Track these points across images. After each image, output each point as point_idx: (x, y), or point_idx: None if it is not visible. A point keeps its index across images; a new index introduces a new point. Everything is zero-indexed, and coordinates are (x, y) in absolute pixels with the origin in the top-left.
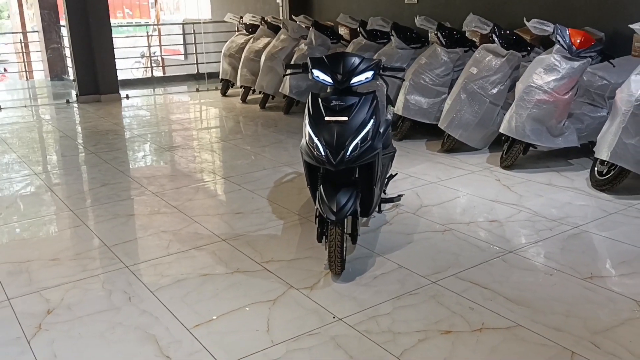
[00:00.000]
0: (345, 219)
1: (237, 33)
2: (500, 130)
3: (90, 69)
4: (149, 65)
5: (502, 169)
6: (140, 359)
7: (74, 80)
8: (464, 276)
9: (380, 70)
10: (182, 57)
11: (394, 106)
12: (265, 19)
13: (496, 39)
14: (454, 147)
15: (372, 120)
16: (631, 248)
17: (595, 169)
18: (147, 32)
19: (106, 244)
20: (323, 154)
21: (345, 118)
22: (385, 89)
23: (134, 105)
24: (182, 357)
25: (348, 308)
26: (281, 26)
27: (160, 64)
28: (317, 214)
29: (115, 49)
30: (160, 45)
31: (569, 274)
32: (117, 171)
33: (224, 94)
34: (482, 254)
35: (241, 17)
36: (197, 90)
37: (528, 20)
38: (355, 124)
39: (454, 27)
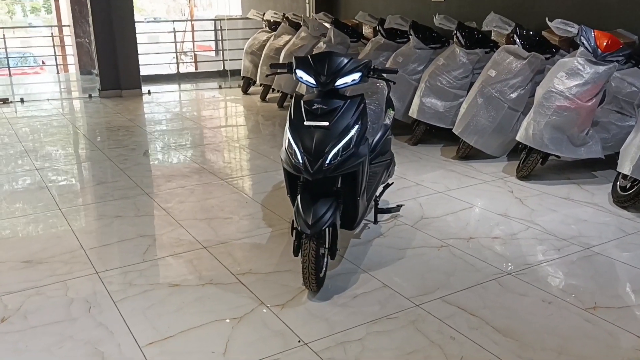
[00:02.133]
0: (326, 232)
1: (259, 30)
2: (517, 138)
3: (113, 64)
4: (176, 61)
5: (517, 179)
6: None
7: (96, 74)
8: (452, 300)
9: (371, 72)
10: (213, 54)
11: (394, 110)
12: (287, 15)
13: (517, 39)
14: (469, 154)
15: (356, 126)
16: None
17: (618, 183)
18: (174, 29)
19: (83, 247)
20: (300, 161)
21: (326, 123)
22: (386, 92)
23: (154, 101)
24: None
25: (317, 331)
26: (302, 24)
27: (193, 60)
28: (294, 226)
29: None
30: (193, 41)
31: (570, 303)
32: (117, 169)
33: (245, 91)
34: (477, 275)
35: (264, 14)
36: (220, 88)
37: (551, 21)
38: (338, 129)
39: (477, 27)
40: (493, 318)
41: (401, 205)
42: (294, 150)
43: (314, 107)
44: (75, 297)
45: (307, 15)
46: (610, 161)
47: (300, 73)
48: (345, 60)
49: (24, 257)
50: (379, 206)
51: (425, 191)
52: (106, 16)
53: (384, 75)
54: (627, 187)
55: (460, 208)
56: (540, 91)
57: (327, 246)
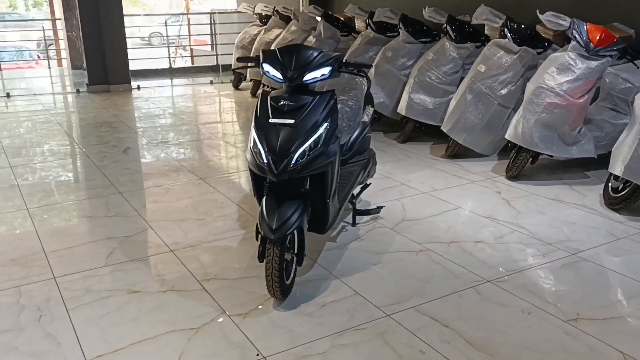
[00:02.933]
0: (294, 237)
1: (250, 24)
2: (506, 137)
3: (101, 59)
4: (168, 55)
5: (507, 179)
6: None
7: (84, 69)
8: (425, 309)
9: (343, 66)
10: (209, 48)
11: (373, 107)
12: (277, 9)
13: (508, 33)
14: (458, 152)
15: (325, 124)
16: (634, 284)
17: (609, 184)
18: (166, 22)
19: (45, 250)
20: (265, 161)
21: (291, 121)
22: (366, 88)
23: (142, 96)
24: None
25: (278, 343)
26: (292, 17)
27: (190, 54)
28: (258, 230)
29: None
30: (189, 36)
31: (551, 314)
32: (94, 167)
33: (236, 87)
34: (455, 283)
35: (255, 7)
36: (211, 83)
37: (542, 13)
38: (305, 127)
39: (467, 20)
40: (467, 330)
41: (381, 207)
42: (259, 150)
43: (280, 103)
44: (27, 305)
45: (299, 8)
46: (604, 161)
47: (267, 67)
48: (315, 54)
49: None
50: (357, 207)
51: (409, 191)
52: (94, 9)
53: (357, 69)
54: (619, 189)
55: (444, 210)
56: (530, 87)
57: (294, 252)
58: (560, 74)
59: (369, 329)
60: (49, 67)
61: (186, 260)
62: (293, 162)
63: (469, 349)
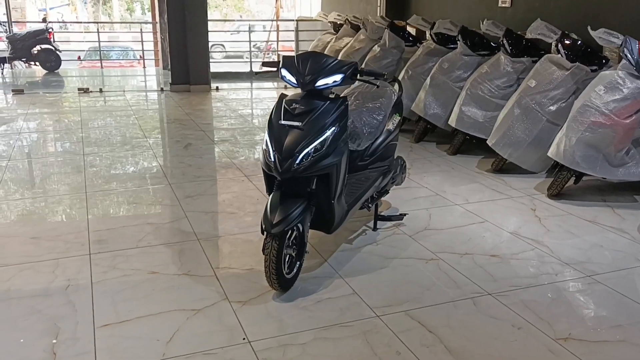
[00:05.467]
0: (296, 233)
1: (325, 32)
2: (548, 154)
3: (183, 60)
4: (249, 59)
5: (547, 197)
6: (27, 352)
7: (168, 69)
8: (416, 314)
9: (358, 74)
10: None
11: (401, 115)
12: (347, 18)
13: (561, 49)
14: (506, 167)
15: (333, 128)
16: None
17: None
18: (249, 27)
19: (89, 229)
20: (272, 159)
21: (299, 123)
22: (395, 96)
23: (218, 97)
24: (66, 357)
25: (266, 331)
26: (361, 26)
27: (277, 60)
28: (262, 224)
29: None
30: (277, 41)
31: (541, 331)
32: (154, 159)
33: None
34: (454, 292)
35: (328, 16)
36: (285, 87)
37: (594, 30)
38: (312, 130)
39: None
40: (450, 338)
41: (404, 214)
42: (268, 148)
43: (292, 106)
44: (59, 275)
45: (373, 16)
46: None
47: (284, 72)
48: (329, 61)
49: (34, 233)
50: (381, 213)
51: (441, 202)
52: (180, 15)
53: (371, 77)
54: None
55: (470, 222)
56: (577, 104)
57: (296, 248)
58: (607, 92)
59: (354, 327)
60: (144, 67)
61: (208, 249)
62: (297, 162)
63: (446, 356)
